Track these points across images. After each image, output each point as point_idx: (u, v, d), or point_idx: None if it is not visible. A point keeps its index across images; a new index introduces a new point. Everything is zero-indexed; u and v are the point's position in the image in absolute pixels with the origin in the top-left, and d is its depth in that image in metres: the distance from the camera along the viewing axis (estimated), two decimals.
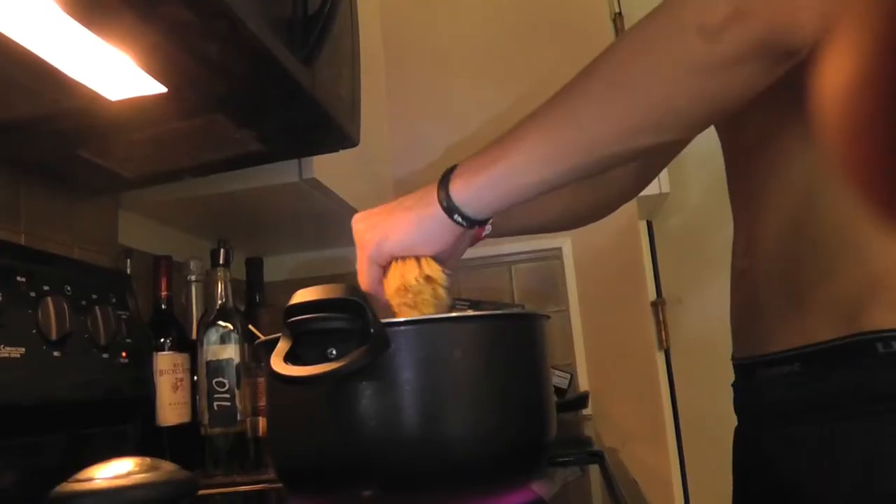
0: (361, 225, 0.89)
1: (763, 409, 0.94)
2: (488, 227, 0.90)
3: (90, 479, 0.37)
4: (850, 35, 0.26)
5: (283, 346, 0.73)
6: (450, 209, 0.80)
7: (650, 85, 0.72)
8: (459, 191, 0.80)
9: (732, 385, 1.05)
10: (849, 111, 0.26)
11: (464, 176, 0.80)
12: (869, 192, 0.26)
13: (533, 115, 0.80)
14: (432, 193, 0.82)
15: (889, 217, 0.27)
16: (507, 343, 0.82)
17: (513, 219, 1.01)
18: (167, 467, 0.38)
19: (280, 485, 1.02)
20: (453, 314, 0.82)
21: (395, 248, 0.84)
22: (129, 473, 0.37)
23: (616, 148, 0.76)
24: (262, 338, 0.82)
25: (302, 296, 0.73)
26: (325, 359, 0.71)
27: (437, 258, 0.84)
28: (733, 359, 1.02)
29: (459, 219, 0.80)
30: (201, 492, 0.98)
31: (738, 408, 1.03)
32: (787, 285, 0.87)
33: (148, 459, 0.38)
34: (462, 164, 0.82)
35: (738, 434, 1.05)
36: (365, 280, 0.87)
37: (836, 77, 0.26)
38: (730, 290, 1.03)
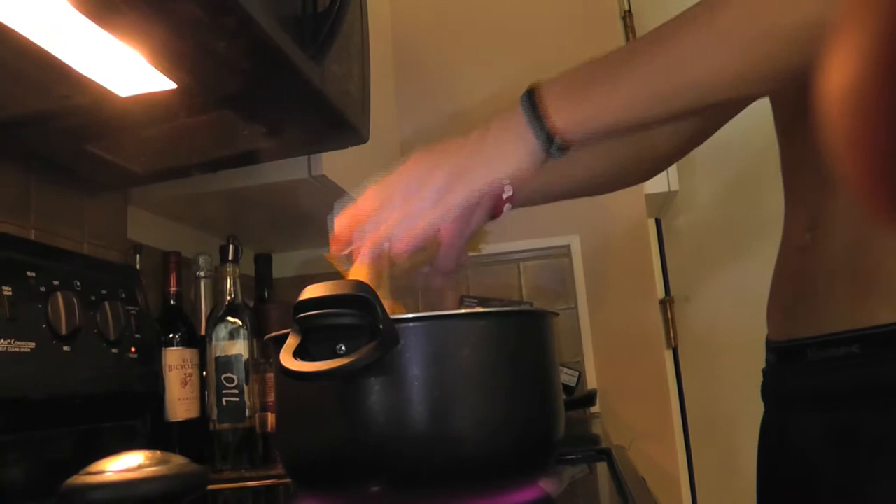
0: (424, 160, 0.85)
1: (807, 394, 0.91)
2: (508, 206, 0.87)
3: (101, 472, 0.37)
4: (855, 33, 0.25)
5: (292, 342, 0.73)
6: (545, 134, 0.77)
7: (764, 37, 0.72)
8: (557, 115, 0.77)
9: (765, 369, 1.02)
10: (854, 111, 0.26)
11: (559, 100, 0.77)
12: (876, 193, 0.26)
13: (634, 48, 0.80)
14: (516, 121, 0.79)
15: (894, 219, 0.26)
16: (516, 340, 0.82)
17: (538, 183, 0.98)
18: (177, 461, 0.38)
19: (289, 480, 1.02)
20: (463, 311, 0.82)
21: (486, 183, 0.80)
22: (139, 467, 0.37)
23: (719, 94, 0.76)
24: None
25: (311, 291, 0.73)
26: (334, 354, 0.71)
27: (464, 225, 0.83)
28: (771, 341, 0.99)
29: (553, 148, 0.77)
30: (210, 487, 0.98)
31: (771, 393, 1.01)
32: (853, 262, 0.84)
33: (158, 453, 0.38)
34: (548, 86, 0.79)
35: (769, 421, 1.02)
36: (445, 227, 0.83)
37: (841, 76, 0.26)
38: (776, 267, 1.00)
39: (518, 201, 0.90)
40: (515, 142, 0.79)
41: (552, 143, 0.77)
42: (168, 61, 0.97)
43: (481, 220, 0.88)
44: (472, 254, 0.91)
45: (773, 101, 1.01)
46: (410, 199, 0.83)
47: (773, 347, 0.99)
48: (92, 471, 0.37)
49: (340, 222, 0.87)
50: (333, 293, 0.72)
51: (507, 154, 0.79)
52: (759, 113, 1.02)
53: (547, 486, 0.89)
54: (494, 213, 0.89)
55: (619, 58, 0.79)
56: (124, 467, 0.37)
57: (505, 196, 0.85)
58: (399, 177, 0.86)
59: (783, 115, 1.00)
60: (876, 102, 0.24)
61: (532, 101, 0.78)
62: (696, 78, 0.75)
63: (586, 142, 0.79)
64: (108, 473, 0.36)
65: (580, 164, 1.03)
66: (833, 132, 0.26)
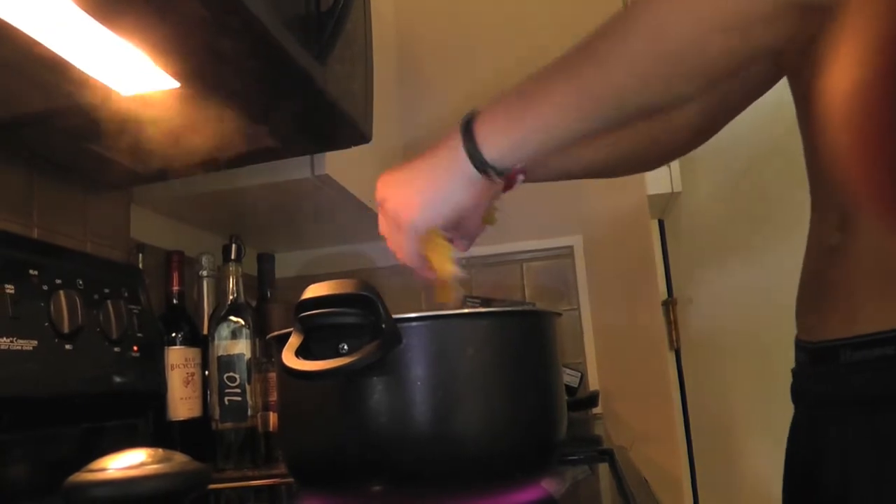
0: (387, 192, 0.89)
1: (843, 396, 0.89)
2: (520, 178, 0.90)
3: (103, 470, 0.37)
4: (855, 36, 0.25)
5: (294, 341, 0.73)
6: (481, 164, 0.80)
7: (686, 37, 0.72)
8: (489, 144, 0.80)
9: (795, 370, 1.00)
10: (854, 112, 0.26)
11: (491, 127, 0.80)
12: (873, 190, 0.26)
13: (557, 65, 0.80)
14: (456, 150, 0.81)
15: (892, 215, 0.26)
16: (519, 340, 0.82)
17: (550, 165, 1.01)
18: (179, 458, 0.38)
19: (291, 479, 1.02)
20: (465, 310, 0.82)
21: (430, 221, 0.85)
22: (141, 464, 0.37)
23: (647, 98, 0.76)
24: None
25: (314, 290, 0.73)
26: (336, 354, 0.72)
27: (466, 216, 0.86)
28: (802, 341, 0.97)
29: (493, 173, 0.80)
30: (212, 486, 0.98)
31: (804, 393, 0.99)
32: (885, 262, 0.82)
33: (160, 451, 0.38)
34: (483, 114, 0.82)
35: (800, 422, 1.00)
36: (410, 256, 0.88)
37: (841, 78, 0.26)
38: (805, 269, 0.99)
39: (535, 178, 0.96)
40: (458, 175, 0.82)
41: (489, 170, 0.80)
42: (171, 60, 0.97)
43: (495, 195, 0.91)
44: (487, 224, 0.96)
45: (795, 98, 1.00)
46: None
47: (804, 347, 0.97)
48: (94, 468, 0.37)
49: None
50: (336, 292, 0.72)
51: (451, 191, 0.84)
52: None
53: (549, 486, 0.89)
54: (507, 186, 0.92)
55: (545, 74, 0.81)
56: (126, 465, 0.37)
57: (517, 184, 0.90)
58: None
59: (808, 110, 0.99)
60: (879, 108, 0.24)
61: (468, 130, 0.81)
62: (617, 84, 0.76)
63: (526, 160, 0.82)
64: (111, 471, 0.36)
65: (590, 150, 1.05)
66: (837, 138, 0.26)
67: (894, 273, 0.82)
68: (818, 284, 0.95)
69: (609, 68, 0.76)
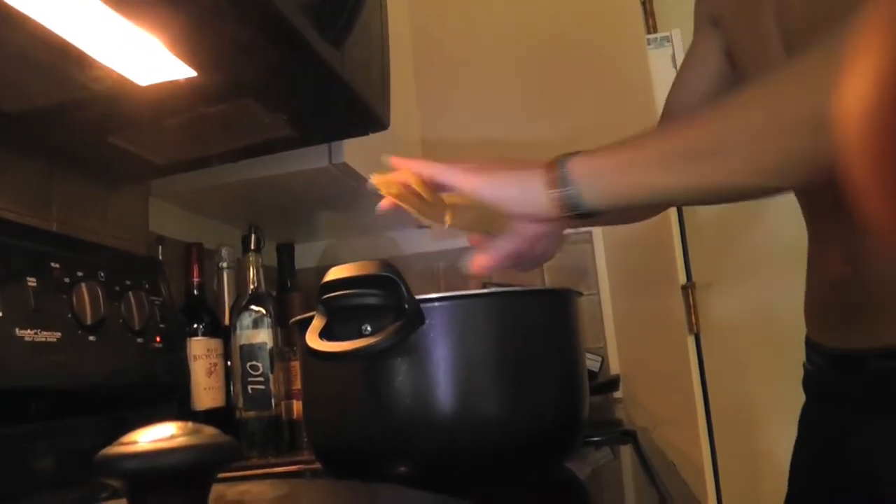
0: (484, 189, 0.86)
1: (870, 400, 0.91)
2: None
3: (134, 443, 0.37)
4: (871, 52, 0.25)
5: (317, 323, 0.74)
6: (571, 201, 0.81)
7: (802, 135, 0.70)
8: (587, 185, 0.80)
9: (810, 368, 1.03)
10: (870, 129, 0.25)
11: (593, 181, 0.81)
12: (888, 211, 0.26)
13: (669, 131, 0.83)
14: (540, 184, 0.82)
15: None
16: (541, 319, 0.82)
17: None
18: (209, 431, 0.38)
19: (315, 466, 1.03)
20: (488, 290, 0.82)
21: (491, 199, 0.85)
22: (172, 437, 0.37)
23: (748, 184, 0.77)
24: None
25: (336, 272, 0.73)
26: (359, 335, 0.72)
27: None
28: (821, 345, 1.00)
29: (575, 211, 0.81)
30: (237, 473, 0.99)
31: (823, 393, 1.02)
32: None
33: (190, 424, 0.38)
34: (585, 164, 0.82)
35: (814, 418, 1.04)
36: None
37: (857, 94, 0.26)
38: (813, 288, 1.01)
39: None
40: (544, 206, 0.82)
41: (576, 215, 0.82)
42: (188, 49, 0.97)
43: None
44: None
45: None
46: None
47: (824, 353, 0.99)
48: (125, 441, 0.37)
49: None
50: (358, 273, 0.72)
51: (524, 197, 0.84)
52: None
53: (574, 467, 0.89)
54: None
55: (653, 144, 0.81)
56: (157, 437, 0.37)
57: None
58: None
59: None
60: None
61: (565, 175, 0.81)
62: (729, 170, 0.75)
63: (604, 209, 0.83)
64: (141, 443, 0.37)
65: None
66: (852, 149, 0.26)
67: None
68: (833, 304, 0.97)
69: (725, 146, 0.75)
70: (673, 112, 1.17)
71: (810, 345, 1.02)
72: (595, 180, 0.80)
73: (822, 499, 0.99)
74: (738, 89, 0.78)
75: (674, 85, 1.19)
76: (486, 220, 0.90)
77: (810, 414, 1.05)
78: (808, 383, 1.05)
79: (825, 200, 0.95)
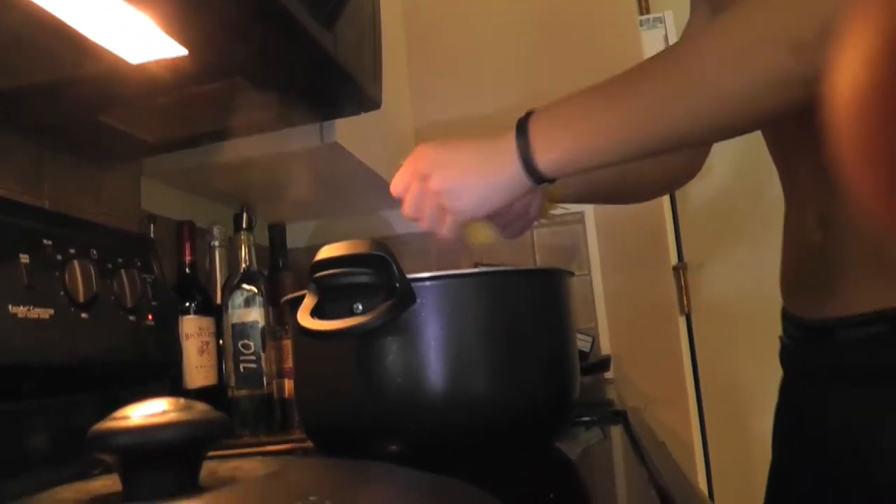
0: (433, 170, 0.88)
1: (837, 370, 0.93)
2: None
3: (126, 418, 0.37)
4: (862, 36, 0.25)
5: (309, 302, 0.74)
6: (533, 172, 0.82)
7: (736, 89, 0.74)
8: (543, 154, 0.81)
9: (787, 341, 1.04)
10: (860, 114, 0.26)
11: (546, 138, 0.82)
12: (879, 196, 0.26)
13: (613, 87, 0.82)
14: (510, 153, 0.83)
15: None
16: (533, 299, 0.82)
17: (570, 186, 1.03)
18: (200, 407, 0.39)
19: (307, 445, 1.03)
20: (480, 269, 0.83)
21: (477, 214, 0.87)
22: (164, 412, 0.37)
23: (690, 135, 0.81)
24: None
25: (328, 251, 0.74)
26: (351, 314, 0.72)
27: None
28: (796, 317, 1.01)
29: (534, 176, 0.82)
30: (229, 452, 0.99)
31: (798, 366, 1.03)
32: (874, 254, 0.86)
33: (182, 400, 0.39)
34: (539, 121, 0.83)
35: (790, 391, 1.06)
36: (448, 233, 0.89)
37: (848, 80, 0.26)
38: (788, 257, 1.02)
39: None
40: (508, 176, 0.84)
41: (537, 178, 0.82)
42: (180, 28, 0.96)
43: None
44: (544, 221, 1.03)
45: None
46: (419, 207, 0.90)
47: (798, 324, 1.00)
48: (117, 416, 0.38)
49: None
50: (350, 252, 0.73)
51: (500, 189, 0.85)
52: None
53: (564, 447, 0.90)
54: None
55: (603, 93, 0.82)
56: (149, 413, 0.37)
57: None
58: (404, 174, 0.91)
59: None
60: (886, 104, 0.24)
61: (524, 135, 0.83)
62: (675, 120, 0.77)
63: (567, 174, 0.84)
64: (133, 419, 0.37)
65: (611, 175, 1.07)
66: (843, 133, 0.26)
67: (886, 261, 0.85)
68: (805, 273, 0.98)
69: (661, 102, 0.78)
70: None
71: (787, 317, 1.04)
72: (549, 131, 0.82)
73: (805, 472, 1.00)
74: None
75: None
76: None
77: (788, 388, 1.07)
78: (785, 357, 1.06)
79: (802, 165, 0.96)
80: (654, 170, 1.15)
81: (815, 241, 0.93)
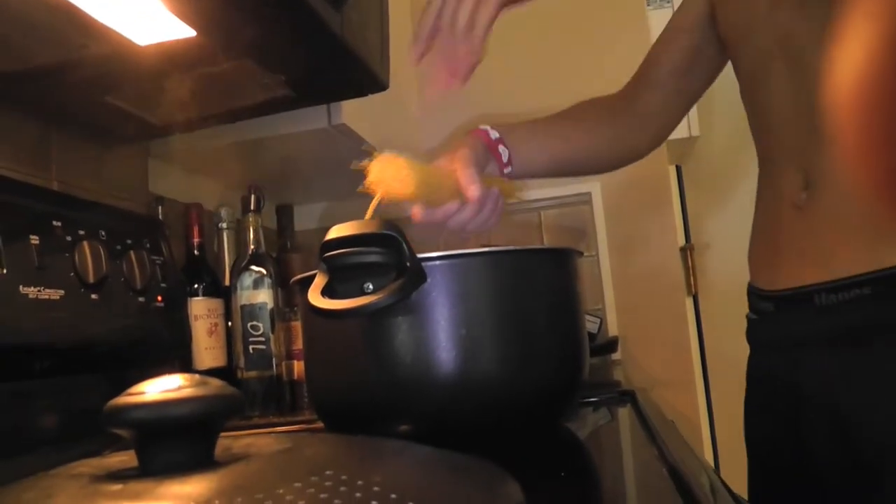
0: None
1: (818, 336, 0.94)
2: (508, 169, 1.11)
3: (141, 393, 0.38)
4: (862, 22, 0.25)
5: (319, 281, 0.74)
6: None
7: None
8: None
9: (755, 318, 1.07)
10: (861, 98, 0.26)
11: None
12: (881, 178, 0.26)
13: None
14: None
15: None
16: (543, 278, 0.82)
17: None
18: (215, 383, 0.39)
19: (317, 425, 1.04)
20: (490, 248, 0.82)
21: None
22: (179, 388, 0.37)
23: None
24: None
25: (338, 231, 0.74)
26: (361, 293, 0.72)
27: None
28: (766, 290, 1.02)
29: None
30: (240, 433, 0.99)
31: (769, 339, 1.05)
32: (857, 215, 0.87)
33: (196, 376, 0.39)
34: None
35: (759, 365, 1.10)
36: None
37: (848, 65, 0.26)
38: (763, 226, 1.03)
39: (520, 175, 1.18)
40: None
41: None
42: (187, 8, 0.96)
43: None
44: (511, 201, 1.11)
45: (737, 71, 1.09)
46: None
47: (767, 297, 1.02)
48: (133, 392, 0.38)
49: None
50: (360, 232, 0.73)
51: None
52: None
53: (573, 427, 0.90)
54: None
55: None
56: (164, 388, 0.37)
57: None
58: None
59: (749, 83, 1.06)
60: (885, 87, 0.25)
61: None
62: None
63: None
64: (148, 394, 0.37)
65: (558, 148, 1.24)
66: (843, 116, 0.26)
67: (868, 223, 0.86)
68: (784, 240, 0.99)
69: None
70: (647, 76, 1.23)
71: (754, 293, 1.07)
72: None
73: (785, 442, 1.01)
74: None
75: (653, 50, 1.22)
76: (429, 190, 0.97)
77: (758, 364, 1.10)
78: (753, 333, 1.09)
79: (789, 123, 0.97)
80: (600, 155, 1.27)
81: (798, 202, 0.94)
